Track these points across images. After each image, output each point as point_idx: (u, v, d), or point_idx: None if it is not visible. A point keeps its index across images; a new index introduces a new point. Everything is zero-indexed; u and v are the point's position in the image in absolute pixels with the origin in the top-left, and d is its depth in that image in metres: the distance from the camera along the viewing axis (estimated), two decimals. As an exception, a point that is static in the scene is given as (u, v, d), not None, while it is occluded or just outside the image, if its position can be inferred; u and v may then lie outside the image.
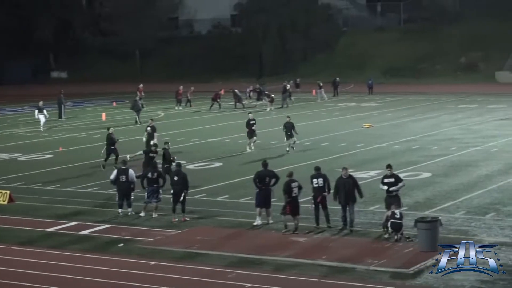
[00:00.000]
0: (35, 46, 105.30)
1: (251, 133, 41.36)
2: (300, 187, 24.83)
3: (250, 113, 43.58)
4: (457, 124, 50.80)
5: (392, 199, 24.16)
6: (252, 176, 26.55)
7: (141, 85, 69.75)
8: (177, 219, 26.34)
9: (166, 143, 32.38)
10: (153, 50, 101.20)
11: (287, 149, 39.98)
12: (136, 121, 54.62)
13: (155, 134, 39.17)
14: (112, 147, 36.69)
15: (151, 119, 41.73)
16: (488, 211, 26.74)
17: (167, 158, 31.23)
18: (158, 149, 32.51)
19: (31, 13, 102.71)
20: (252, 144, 41.13)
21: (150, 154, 31.59)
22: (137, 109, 55.59)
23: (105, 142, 37.28)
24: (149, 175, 27.26)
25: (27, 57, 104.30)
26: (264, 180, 25.68)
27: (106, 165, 36.19)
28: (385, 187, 24.46)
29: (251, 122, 41.52)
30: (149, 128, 39.44)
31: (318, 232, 24.54)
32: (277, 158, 37.75)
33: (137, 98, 58.11)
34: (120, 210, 27.57)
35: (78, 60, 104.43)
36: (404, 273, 20.35)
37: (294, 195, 24.62)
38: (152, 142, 38.72)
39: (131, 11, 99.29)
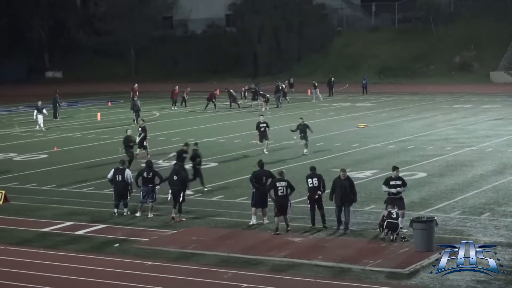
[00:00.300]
0: (30, 46, 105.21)
1: (262, 136, 40.14)
2: (290, 188, 24.74)
3: (261, 115, 42.69)
4: (452, 124, 50.87)
5: (396, 201, 24.09)
6: (248, 176, 26.59)
7: (136, 85, 69.65)
8: (174, 216, 26.35)
9: (196, 143, 32.10)
10: (148, 49, 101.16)
11: (305, 151, 38.95)
12: (134, 121, 54.46)
13: (143, 134, 39.13)
14: (131, 150, 36.14)
15: (142, 119, 41.70)
16: (483, 211, 26.79)
17: (194, 158, 30.76)
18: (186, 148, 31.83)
19: (26, 13, 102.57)
20: (265, 147, 39.95)
21: (184, 155, 30.78)
22: (136, 109, 55.43)
23: (124, 144, 36.88)
24: (145, 174, 27.22)
25: (22, 57, 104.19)
26: (261, 180, 25.70)
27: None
28: (393, 190, 24.17)
29: (261, 125, 40.27)
30: (140, 129, 39.41)
31: (314, 233, 24.56)
32: (273, 158, 37.74)
33: (135, 98, 57.81)
34: (115, 210, 27.55)
35: (73, 60, 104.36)
36: (399, 273, 20.37)
37: (280, 194, 24.59)
38: (145, 144, 38.75)
39: (125, 11, 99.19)
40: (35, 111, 54.06)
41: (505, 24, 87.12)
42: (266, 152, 39.34)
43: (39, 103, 54.40)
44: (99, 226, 26.15)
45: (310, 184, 25.00)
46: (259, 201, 25.57)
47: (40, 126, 52.86)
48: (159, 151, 40.74)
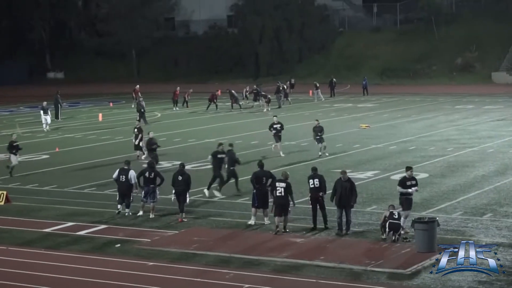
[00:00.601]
0: (31, 47, 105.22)
1: (276, 138, 39.40)
2: (288, 191, 24.70)
3: (275, 116, 41.77)
4: (454, 125, 50.84)
5: (409, 201, 24.04)
6: (249, 176, 26.58)
7: (137, 86, 69.55)
8: (182, 220, 26.44)
9: (231, 144, 31.97)
10: (149, 50, 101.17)
11: (320, 153, 38.43)
12: (145, 122, 54.28)
13: (140, 135, 38.98)
14: (154, 152, 35.65)
15: (137, 120, 41.32)
16: (485, 212, 26.77)
17: (232, 160, 30.39)
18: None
19: (27, 13, 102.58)
20: (274, 147, 39.35)
21: (219, 156, 30.32)
22: (139, 108, 55.13)
23: (147, 147, 36.49)
24: (146, 174, 27.23)
25: (23, 58, 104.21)
26: (261, 180, 25.73)
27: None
28: (409, 190, 24.05)
29: (274, 126, 39.49)
30: (136, 130, 39.17)
31: (316, 233, 24.53)
32: (275, 159, 37.74)
33: (141, 99, 56.83)
34: (119, 206, 27.56)
35: (74, 60, 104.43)
36: (401, 274, 20.35)
37: (278, 194, 24.65)
38: (141, 144, 38.48)
39: (127, 12, 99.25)
40: (41, 112, 53.75)
41: (506, 25, 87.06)
42: (282, 155, 38.83)
43: (44, 103, 54.27)
44: (101, 227, 26.15)
45: (312, 184, 25.00)
46: (260, 202, 25.58)
47: (45, 126, 52.58)
48: (160, 152, 40.73)
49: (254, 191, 25.81)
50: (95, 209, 28.67)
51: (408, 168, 24.72)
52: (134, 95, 67.51)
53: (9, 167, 35.68)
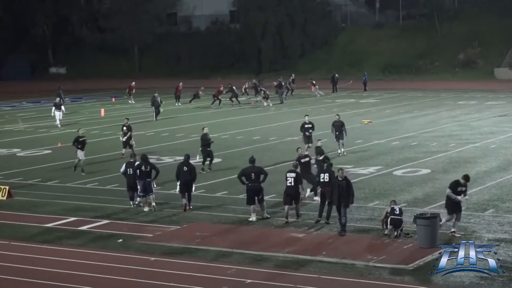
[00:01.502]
0: (34, 42, 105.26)
1: (307, 139, 37.68)
2: (299, 180, 25.12)
3: (306, 115, 40.20)
4: (456, 121, 50.81)
5: (458, 206, 23.54)
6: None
7: (133, 82, 69.56)
8: (186, 206, 26.68)
9: (320, 140, 31.73)
10: (151, 46, 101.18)
11: (342, 151, 37.85)
12: (154, 117, 54.14)
13: (129, 133, 38.36)
14: (208, 149, 34.68)
15: (126, 118, 40.72)
16: (487, 208, 26.75)
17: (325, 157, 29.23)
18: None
19: (30, 9, 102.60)
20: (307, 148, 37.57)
21: (302, 160, 28.46)
22: (156, 105, 54.87)
23: (200, 143, 35.27)
24: (143, 168, 27.24)
25: (26, 53, 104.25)
26: (250, 176, 25.71)
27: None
28: (466, 198, 23.86)
29: (306, 126, 38.04)
30: (125, 128, 38.58)
31: (318, 229, 24.52)
32: (278, 154, 37.72)
33: (156, 94, 55.78)
34: (131, 202, 27.70)
35: (77, 56, 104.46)
36: (403, 269, 20.34)
37: (288, 184, 25.19)
38: (130, 142, 38.10)
39: (129, 7, 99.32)
40: (53, 108, 53.58)
41: (509, 21, 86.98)
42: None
43: (57, 99, 54.21)
44: (103, 222, 26.16)
45: (322, 179, 25.04)
46: (253, 198, 25.58)
47: (57, 122, 52.51)
48: (162, 148, 40.77)
49: (245, 187, 25.85)
50: (97, 204, 28.68)
51: (466, 178, 23.92)
52: (129, 92, 67.90)
53: (75, 165, 34.92)
